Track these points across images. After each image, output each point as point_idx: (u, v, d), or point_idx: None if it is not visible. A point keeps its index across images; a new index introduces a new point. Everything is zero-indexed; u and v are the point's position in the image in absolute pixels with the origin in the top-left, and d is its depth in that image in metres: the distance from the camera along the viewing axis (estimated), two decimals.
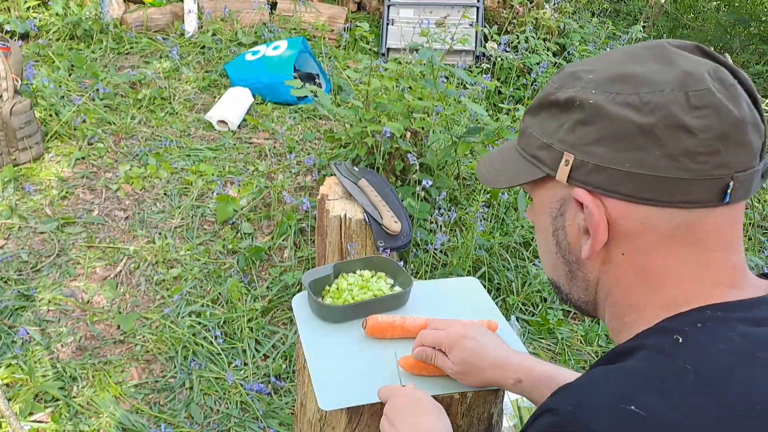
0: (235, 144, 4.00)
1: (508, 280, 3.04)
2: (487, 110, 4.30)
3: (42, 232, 3.16)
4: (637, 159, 0.71)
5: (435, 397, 1.12)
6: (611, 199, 0.74)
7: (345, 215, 2.51)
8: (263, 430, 2.38)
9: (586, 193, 0.75)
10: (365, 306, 1.41)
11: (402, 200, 2.79)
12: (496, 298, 2.95)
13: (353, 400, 1.18)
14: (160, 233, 3.24)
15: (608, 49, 5.49)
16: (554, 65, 4.94)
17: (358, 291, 1.48)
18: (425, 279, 2.83)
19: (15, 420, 1.99)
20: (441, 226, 2.86)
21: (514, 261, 3.13)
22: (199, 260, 3.10)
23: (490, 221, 3.25)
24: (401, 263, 2.62)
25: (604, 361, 0.75)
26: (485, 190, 3.32)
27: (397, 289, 1.52)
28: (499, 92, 4.80)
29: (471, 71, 4.58)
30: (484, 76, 4.40)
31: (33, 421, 2.32)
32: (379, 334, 1.34)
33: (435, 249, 2.80)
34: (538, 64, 4.65)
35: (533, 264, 3.12)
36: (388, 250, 2.45)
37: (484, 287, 1.63)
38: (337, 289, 1.50)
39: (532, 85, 4.66)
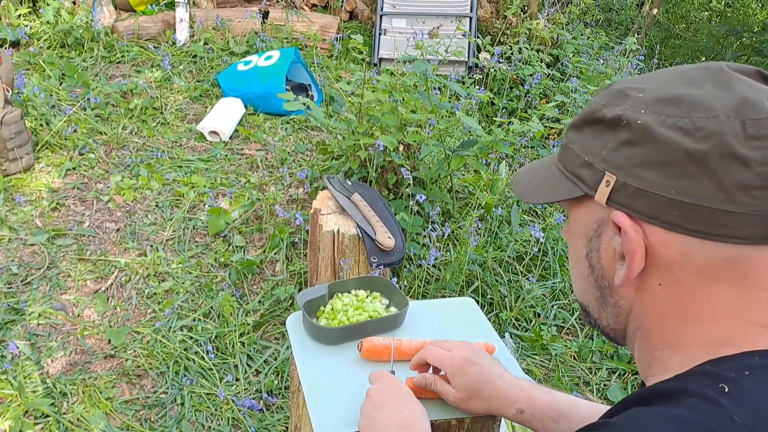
0: (226, 155, 3.98)
1: (501, 295, 3.03)
2: (479, 122, 4.31)
3: (32, 244, 3.13)
4: (683, 187, 0.67)
5: (432, 423, 1.11)
6: (651, 226, 0.70)
7: (338, 230, 2.50)
8: None
9: (625, 216, 0.71)
10: (360, 328, 1.40)
11: (395, 214, 2.78)
12: (489, 313, 2.94)
13: (349, 425, 1.17)
14: (151, 246, 3.22)
15: (599, 61, 5.52)
16: (547, 76, 4.95)
17: (353, 312, 1.47)
18: (418, 294, 2.82)
19: None
20: (434, 241, 2.85)
21: (507, 276, 3.12)
22: (190, 273, 3.08)
23: (484, 236, 3.24)
24: (394, 279, 2.62)
25: (637, 400, 0.71)
26: (479, 205, 3.31)
27: (393, 309, 1.50)
28: (492, 104, 4.80)
29: (463, 82, 4.59)
30: (477, 87, 4.41)
31: None
32: (374, 357, 1.32)
33: (428, 264, 2.79)
34: (531, 75, 4.66)
35: (527, 279, 3.12)
36: (382, 266, 2.44)
37: (477, 302, 1.62)
38: (332, 309, 1.48)
39: (525, 96, 4.67)
